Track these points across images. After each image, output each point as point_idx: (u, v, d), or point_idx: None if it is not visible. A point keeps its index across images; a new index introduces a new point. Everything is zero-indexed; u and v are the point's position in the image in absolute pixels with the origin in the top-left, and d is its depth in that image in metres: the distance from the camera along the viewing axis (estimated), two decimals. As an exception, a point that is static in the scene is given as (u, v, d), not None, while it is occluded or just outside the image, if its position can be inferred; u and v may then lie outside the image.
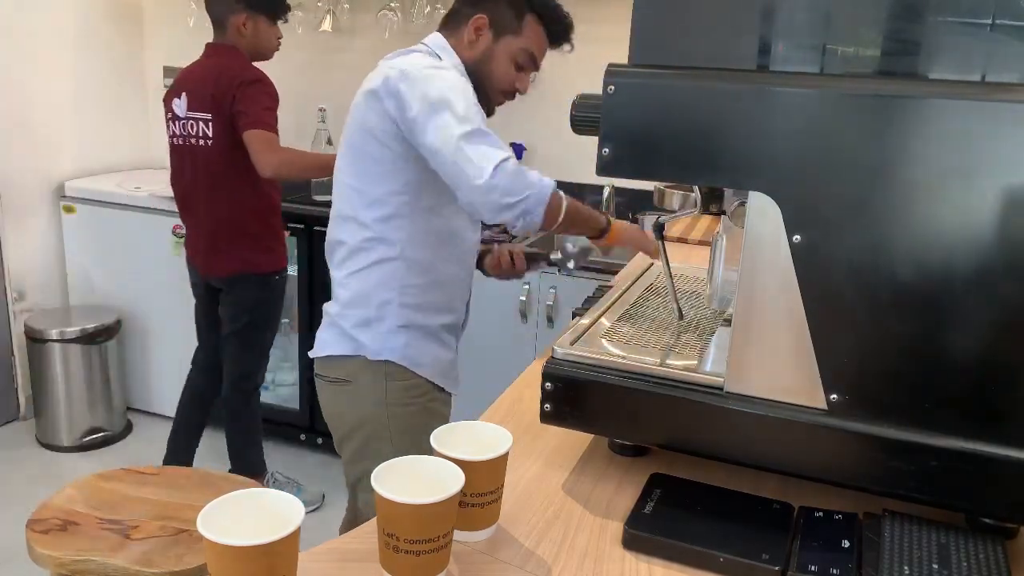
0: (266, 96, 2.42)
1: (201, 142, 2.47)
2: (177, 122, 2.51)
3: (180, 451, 2.82)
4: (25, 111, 3.18)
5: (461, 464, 0.85)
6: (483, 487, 0.89)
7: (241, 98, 2.38)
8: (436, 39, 1.60)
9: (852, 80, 0.86)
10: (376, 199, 1.52)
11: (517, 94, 1.63)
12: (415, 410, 1.60)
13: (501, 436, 0.92)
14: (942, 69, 0.85)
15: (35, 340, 3.08)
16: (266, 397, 3.32)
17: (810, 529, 0.90)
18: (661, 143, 0.92)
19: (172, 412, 3.37)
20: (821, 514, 0.92)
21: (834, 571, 0.82)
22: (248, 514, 0.76)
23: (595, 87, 0.96)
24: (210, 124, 2.44)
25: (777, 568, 0.83)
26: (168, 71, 3.61)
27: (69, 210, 3.30)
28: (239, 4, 2.46)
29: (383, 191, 1.51)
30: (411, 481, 0.83)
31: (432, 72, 1.44)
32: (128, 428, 3.32)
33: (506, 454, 0.90)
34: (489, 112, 1.59)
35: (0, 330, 3.20)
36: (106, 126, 3.53)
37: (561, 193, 1.44)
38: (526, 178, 1.38)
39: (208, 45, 2.57)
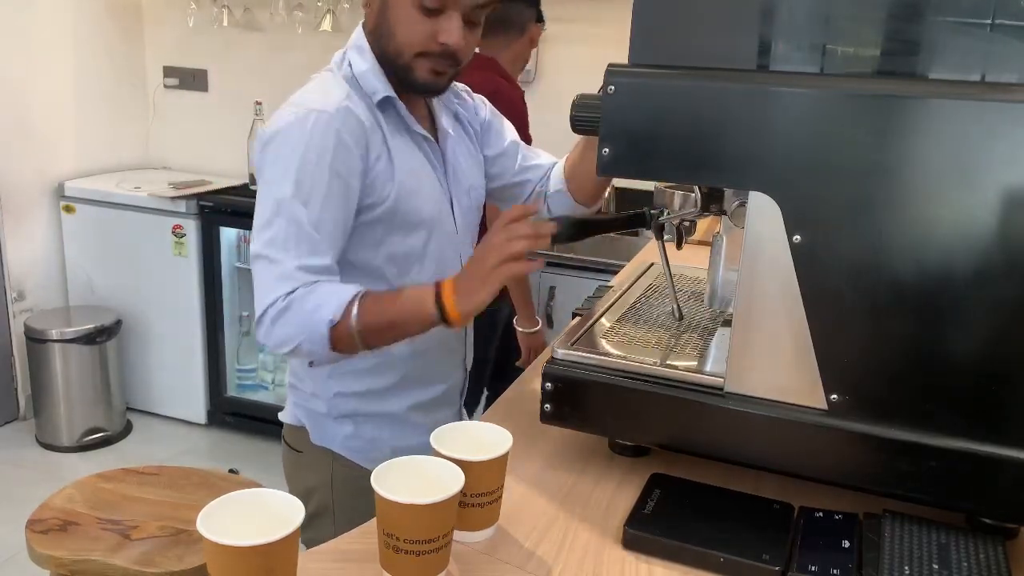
0: None
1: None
2: None
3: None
4: (25, 111, 3.18)
5: (461, 464, 0.85)
6: (483, 487, 0.89)
7: None
8: (355, 37, 1.27)
9: (852, 80, 0.86)
10: None
11: (454, 56, 1.19)
12: (367, 497, 1.19)
13: (501, 436, 0.92)
14: (942, 69, 0.85)
15: (35, 340, 3.07)
16: (266, 397, 3.33)
17: (810, 529, 0.90)
18: (661, 143, 0.92)
19: (172, 412, 3.39)
20: (821, 514, 0.92)
21: (834, 571, 0.82)
22: (248, 514, 0.76)
23: (595, 87, 0.96)
24: None
25: (777, 568, 0.83)
26: (168, 71, 3.62)
27: (69, 210, 3.30)
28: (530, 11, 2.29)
29: None
30: (411, 481, 0.83)
31: (277, 142, 1.15)
32: (128, 428, 3.32)
33: (506, 454, 0.90)
34: (419, 86, 1.22)
35: (0, 330, 3.20)
36: (106, 126, 3.53)
37: (353, 313, 1.09)
38: (294, 322, 1.10)
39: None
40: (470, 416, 1.50)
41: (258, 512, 0.76)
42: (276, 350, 1.16)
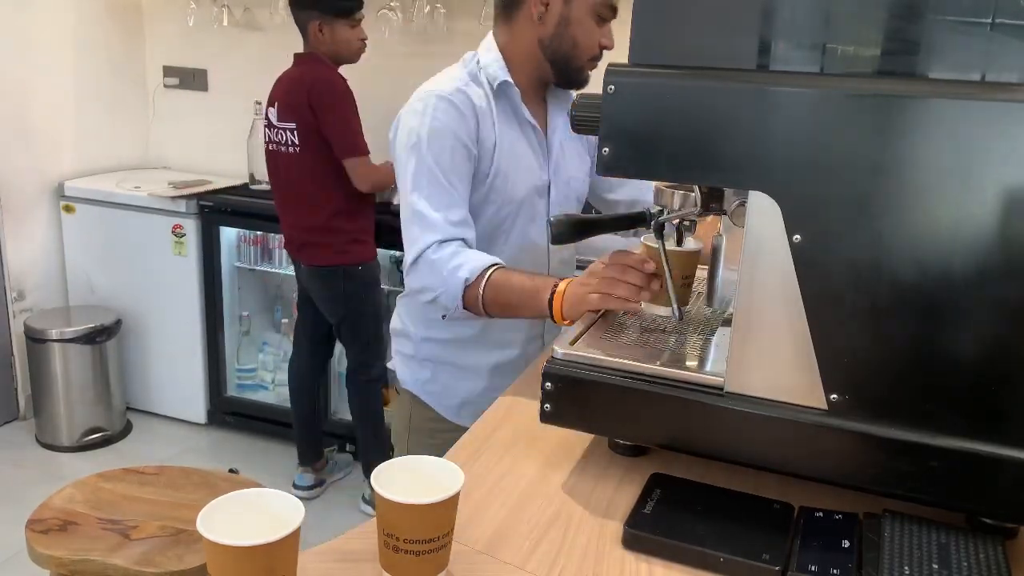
0: (352, 116, 2.58)
1: (290, 149, 2.62)
2: (271, 129, 2.66)
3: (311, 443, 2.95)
4: (25, 111, 3.18)
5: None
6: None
7: (328, 122, 2.54)
8: (485, 41, 1.49)
9: (852, 80, 0.86)
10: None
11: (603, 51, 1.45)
12: (436, 445, 1.43)
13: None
14: (942, 69, 0.85)
15: (35, 340, 3.08)
16: (267, 397, 3.33)
17: (810, 529, 0.90)
18: (661, 143, 0.92)
19: (172, 412, 3.39)
20: (821, 514, 0.92)
21: (834, 571, 0.82)
22: (248, 514, 0.76)
23: (595, 87, 0.96)
24: (295, 133, 2.59)
25: (777, 568, 0.83)
26: (168, 71, 3.62)
27: (69, 210, 3.31)
28: (314, 11, 2.57)
29: None
30: (412, 481, 0.83)
31: (408, 120, 1.39)
32: (128, 428, 3.33)
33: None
34: (581, 83, 1.46)
35: (0, 330, 3.20)
36: (106, 126, 3.53)
37: (483, 283, 1.29)
38: (439, 274, 1.31)
39: (295, 55, 2.69)
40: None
41: (258, 512, 0.76)
42: (419, 295, 1.37)
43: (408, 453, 1.37)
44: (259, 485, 1.73)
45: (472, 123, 1.38)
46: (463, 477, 0.83)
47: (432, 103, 1.36)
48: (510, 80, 1.43)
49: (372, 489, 0.80)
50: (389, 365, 1.62)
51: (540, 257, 1.53)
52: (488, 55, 1.45)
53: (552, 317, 1.25)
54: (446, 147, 1.35)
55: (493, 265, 1.31)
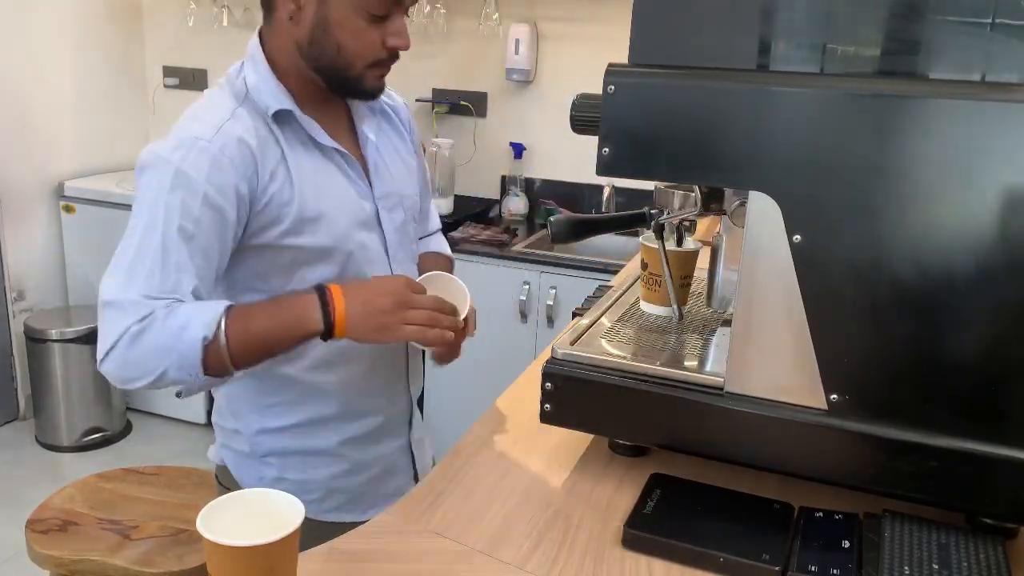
0: None
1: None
2: None
3: None
4: (25, 111, 3.18)
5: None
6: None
7: None
8: (250, 48, 1.18)
9: (852, 80, 0.86)
10: None
11: (394, 54, 1.13)
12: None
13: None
14: (942, 69, 0.85)
15: (35, 340, 3.08)
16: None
17: (810, 529, 0.90)
18: (661, 143, 0.92)
19: (172, 412, 3.39)
20: (821, 514, 0.92)
21: (834, 571, 0.82)
22: (249, 514, 0.75)
23: (595, 87, 0.96)
24: None
25: (777, 568, 0.83)
26: (168, 71, 3.62)
27: (69, 210, 3.30)
28: None
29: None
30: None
31: (142, 171, 1.09)
32: (128, 428, 3.32)
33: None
34: (368, 92, 1.17)
35: (0, 330, 3.20)
36: (106, 126, 3.53)
37: (223, 333, 1.01)
38: (155, 346, 1.00)
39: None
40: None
41: (259, 512, 0.75)
42: (131, 384, 1.03)
43: None
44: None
45: (240, 175, 1.07)
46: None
47: (180, 155, 1.06)
48: (288, 107, 1.12)
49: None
50: (212, 458, 1.31)
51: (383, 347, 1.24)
52: (255, 74, 1.14)
53: (329, 332, 1.03)
54: (190, 215, 1.04)
55: (226, 305, 1.04)
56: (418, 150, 1.38)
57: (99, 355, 1.03)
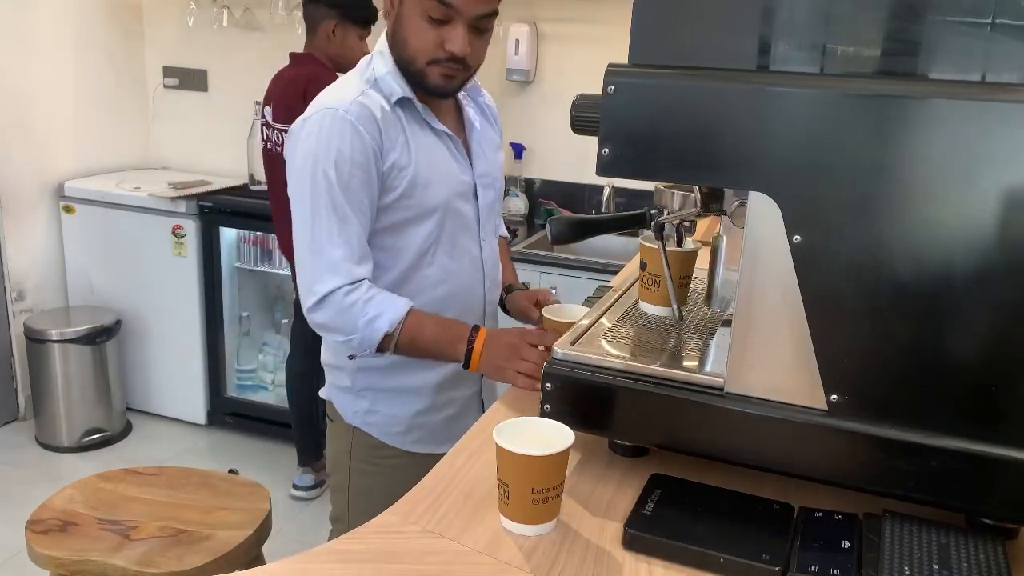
0: None
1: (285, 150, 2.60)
2: (268, 129, 2.64)
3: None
4: (25, 111, 3.18)
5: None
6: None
7: None
8: (380, 43, 1.37)
9: (852, 80, 0.86)
10: None
11: (463, 61, 1.28)
12: (379, 474, 1.46)
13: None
14: (942, 69, 0.85)
15: (35, 340, 3.08)
16: (266, 397, 3.33)
17: (810, 529, 0.90)
18: (661, 143, 0.92)
19: (172, 412, 3.39)
20: (821, 514, 0.92)
21: (834, 571, 0.82)
22: (525, 435, 0.91)
23: (595, 87, 0.96)
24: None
25: (777, 568, 0.83)
26: (168, 71, 3.62)
27: (69, 210, 3.30)
28: (333, 11, 2.56)
29: None
30: (525, 440, 0.90)
31: (302, 141, 1.29)
32: (128, 428, 3.32)
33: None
34: (432, 90, 1.32)
35: (0, 330, 3.20)
36: (106, 126, 3.53)
37: (398, 330, 1.29)
38: (352, 321, 1.27)
39: (292, 54, 2.68)
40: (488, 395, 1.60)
41: (532, 433, 0.93)
42: (327, 335, 1.33)
43: (350, 482, 1.49)
44: (259, 486, 1.73)
45: (373, 137, 1.28)
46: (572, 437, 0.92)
47: (327, 123, 1.26)
48: (408, 95, 1.32)
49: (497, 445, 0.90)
50: (322, 395, 1.54)
51: (475, 267, 1.46)
52: (382, 65, 1.33)
53: (467, 363, 1.30)
54: (343, 173, 1.26)
55: (409, 309, 1.30)
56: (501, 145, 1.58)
57: (307, 303, 1.30)
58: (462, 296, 1.44)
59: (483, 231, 1.46)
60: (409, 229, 1.36)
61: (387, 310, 1.28)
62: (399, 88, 1.32)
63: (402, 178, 1.31)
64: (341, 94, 1.30)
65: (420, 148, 1.33)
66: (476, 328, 1.31)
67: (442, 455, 1.10)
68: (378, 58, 1.34)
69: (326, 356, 1.50)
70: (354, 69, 1.38)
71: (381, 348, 1.30)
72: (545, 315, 1.35)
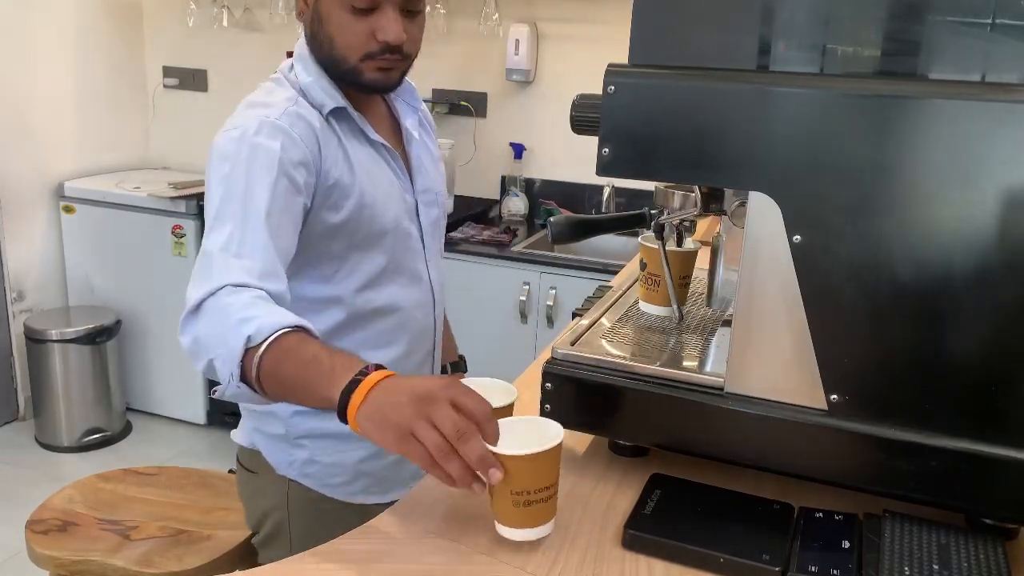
0: None
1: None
2: None
3: None
4: (25, 111, 3.18)
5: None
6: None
7: None
8: (299, 49, 1.24)
9: (852, 80, 0.86)
10: None
11: (399, 50, 1.15)
12: (323, 524, 1.24)
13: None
14: (942, 69, 0.85)
15: (35, 340, 3.07)
16: (266, 397, 3.33)
17: (810, 529, 0.90)
18: (661, 143, 0.92)
19: (172, 412, 3.39)
20: (821, 514, 0.92)
21: (834, 572, 0.82)
22: (514, 435, 0.85)
23: (595, 87, 0.96)
24: None
25: (777, 568, 0.83)
26: (168, 71, 3.62)
27: (68, 210, 3.30)
28: None
29: None
30: (515, 439, 0.85)
31: (224, 146, 1.12)
32: (128, 428, 3.32)
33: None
34: (370, 85, 1.19)
35: (0, 331, 3.20)
36: (106, 126, 3.53)
37: (264, 345, 0.92)
38: (222, 324, 0.96)
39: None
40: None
41: (525, 433, 0.87)
42: (194, 360, 1.00)
43: (293, 542, 1.28)
44: (259, 485, 1.72)
45: (311, 149, 1.12)
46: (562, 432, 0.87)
47: (252, 128, 1.10)
48: (342, 104, 1.18)
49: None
50: (239, 441, 1.34)
51: (425, 294, 1.32)
52: (307, 74, 1.19)
53: (340, 414, 0.86)
54: (266, 181, 1.07)
55: (294, 327, 0.94)
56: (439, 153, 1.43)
57: (182, 319, 1.03)
58: (413, 325, 1.30)
59: (428, 252, 1.32)
60: (354, 256, 1.20)
61: (266, 316, 0.94)
62: (329, 98, 1.17)
63: (347, 199, 1.16)
64: (268, 101, 1.14)
65: (360, 164, 1.18)
66: (379, 366, 0.89)
67: (390, 504, 0.97)
68: (299, 65, 1.20)
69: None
70: (270, 79, 1.22)
71: (243, 370, 0.93)
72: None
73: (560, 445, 0.86)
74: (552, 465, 0.86)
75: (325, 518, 1.27)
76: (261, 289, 1.01)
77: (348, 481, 1.29)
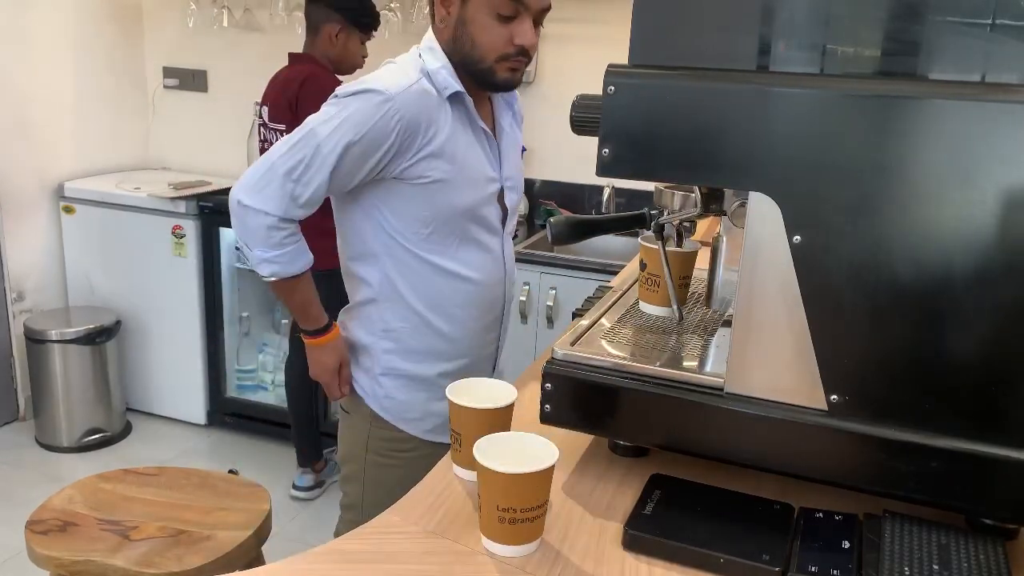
0: None
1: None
2: (265, 129, 2.64)
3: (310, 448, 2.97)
4: (25, 111, 3.18)
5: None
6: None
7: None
8: (427, 40, 1.42)
9: (852, 80, 0.86)
10: (344, 235, 1.48)
11: (527, 53, 1.35)
12: (394, 465, 1.51)
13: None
14: (942, 69, 0.85)
15: (35, 341, 3.07)
16: (267, 398, 3.32)
17: (810, 530, 0.90)
18: (661, 143, 0.92)
19: (172, 413, 3.39)
20: (821, 515, 0.92)
21: (834, 572, 0.82)
22: (510, 451, 0.88)
23: (595, 87, 0.96)
24: (284, 135, 2.56)
25: (777, 569, 0.83)
26: (168, 71, 3.62)
27: (68, 210, 3.30)
28: (336, 14, 2.56)
29: (347, 227, 1.46)
30: (505, 456, 0.86)
31: (332, 102, 1.34)
32: (128, 428, 3.32)
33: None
34: (500, 85, 1.38)
35: (0, 331, 3.20)
36: (106, 126, 3.53)
37: (282, 279, 1.41)
38: (257, 240, 1.37)
39: (291, 54, 2.68)
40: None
41: (518, 450, 0.89)
42: (234, 216, 1.40)
43: (365, 473, 1.53)
44: (259, 487, 1.73)
45: (421, 122, 1.33)
46: (556, 453, 0.88)
47: (360, 101, 1.31)
48: (462, 89, 1.38)
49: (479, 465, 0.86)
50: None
51: (497, 265, 1.52)
52: (433, 60, 1.38)
53: (305, 336, 1.50)
54: (348, 142, 1.30)
55: (295, 274, 1.42)
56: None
57: (238, 194, 1.37)
58: (487, 293, 1.50)
59: (505, 235, 1.53)
60: (437, 225, 1.41)
61: (280, 266, 1.39)
62: (454, 83, 1.37)
63: (438, 167, 1.36)
64: (397, 79, 1.33)
65: (459, 144, 1.38)
66: (330, 326, 1.48)
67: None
68: (427, 53, 1.39)
69: (358, 333, 1.52)
70: (403, 60, 1.40)
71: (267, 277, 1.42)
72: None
73: (551, 468, 0.86)
74: (540, 486, 0.86)
75: (398, 457, 1.51)
76: (294, 222, 1.38)
77: (419, 419, 1.51)
